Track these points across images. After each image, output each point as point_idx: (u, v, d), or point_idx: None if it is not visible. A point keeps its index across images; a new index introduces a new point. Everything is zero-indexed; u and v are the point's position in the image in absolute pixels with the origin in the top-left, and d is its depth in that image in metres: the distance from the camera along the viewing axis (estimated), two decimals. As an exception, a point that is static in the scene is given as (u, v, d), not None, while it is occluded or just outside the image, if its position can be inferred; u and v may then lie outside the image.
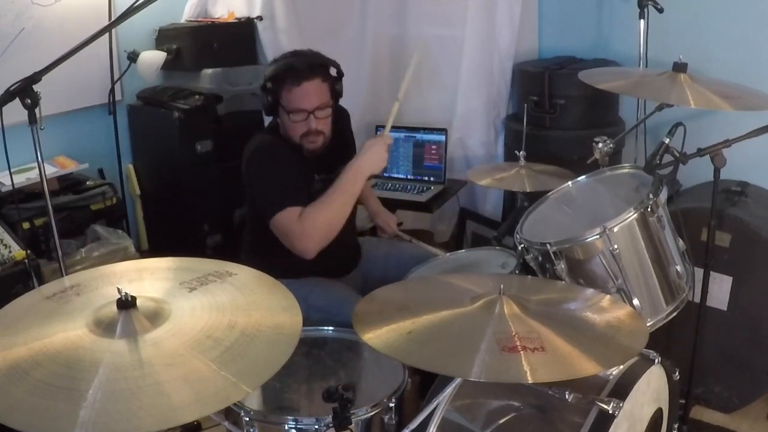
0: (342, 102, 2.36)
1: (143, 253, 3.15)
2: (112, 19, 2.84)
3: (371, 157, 2.15)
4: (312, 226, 2.07)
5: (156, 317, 1.29)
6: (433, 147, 3.41)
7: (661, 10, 2.81)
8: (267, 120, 3.20)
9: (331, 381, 1.72)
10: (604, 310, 1.54)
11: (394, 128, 3.51)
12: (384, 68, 3.59)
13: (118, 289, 1.28)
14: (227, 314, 1.32)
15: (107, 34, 2.94)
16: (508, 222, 2.58)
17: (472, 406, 1.70)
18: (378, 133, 3.52)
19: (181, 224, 3.14)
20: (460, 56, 3.37)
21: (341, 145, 2.40)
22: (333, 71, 2.28)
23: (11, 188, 2.20)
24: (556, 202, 2.24)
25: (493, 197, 3.49)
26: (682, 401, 2.13)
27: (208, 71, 3.06)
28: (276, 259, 2.00)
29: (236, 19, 3.20)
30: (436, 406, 1.61)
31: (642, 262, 1.95)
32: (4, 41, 2.73)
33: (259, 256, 2.11)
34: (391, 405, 1.63)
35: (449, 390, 1.58)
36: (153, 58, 3.08)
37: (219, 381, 1.16)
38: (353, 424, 1.36)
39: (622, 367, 1.64)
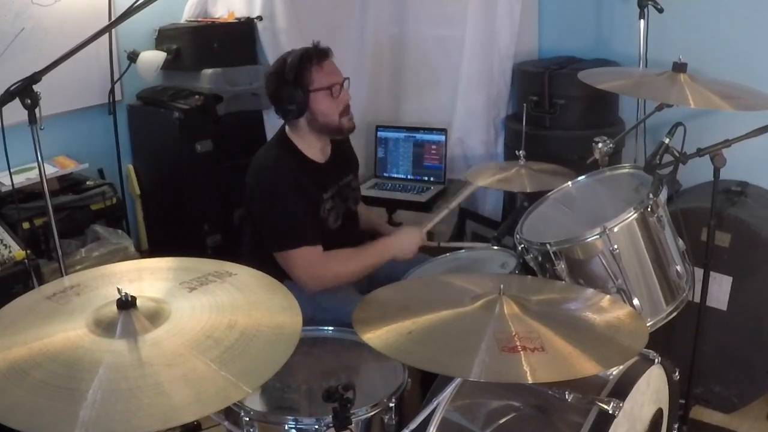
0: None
1: (143, 253, 3.15)
2: (112, 19, 2.85)
3: (402, 244, 2.28)
4: (323, 275, 2.16)
5: (156, 317, 1.29)
6: (433, 147, 3.41)
7: (661, 10, 2.81)
8: (267, 120, 3.22)
9: (331, 381, 1.72)
10: (604, 310, 1.54)
11: (394, 128, 3.53)
12: (384, 68, 3.59)
13: (118, 289, 1.28)
14: (227, 314, 1.32)
15: (107, 34, 2.94)
16: (508, 222, 2.57)
17: (472, 406, 1.70)
18: (380, 133, 3.52)
19: (181, 224, 3.14)
20: (460, 56, 3.37)
21: (342, 150, 2.41)
22: None
23: (11, 188, 2.20)
24: (555, 202, 2.24)
25: (493, 197, 3.48)
26: (682, 401, 2.13)
27: (208, 71, 3.06)
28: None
29: (236, 19, 3.20)
30: (436, 406, 1.61)
31: (642, 262, 1.95)
32: (4, 41, 2.73)
33: (262, 258, 2.10)
34: (391, 405, 1.63)
35: (449, 390, 1.58)
36: (153, 58, 3.08)
37: (219, 381, 1.16)
38: (353, 424, 1.36)
39: (622, 367, 1.64)
